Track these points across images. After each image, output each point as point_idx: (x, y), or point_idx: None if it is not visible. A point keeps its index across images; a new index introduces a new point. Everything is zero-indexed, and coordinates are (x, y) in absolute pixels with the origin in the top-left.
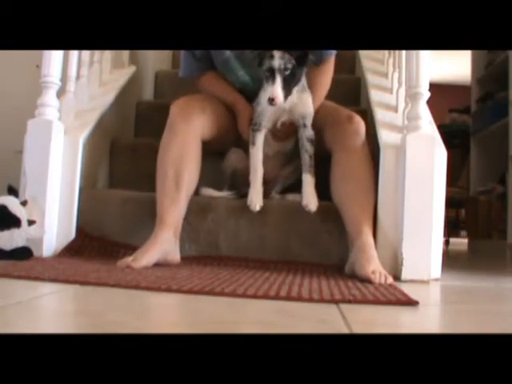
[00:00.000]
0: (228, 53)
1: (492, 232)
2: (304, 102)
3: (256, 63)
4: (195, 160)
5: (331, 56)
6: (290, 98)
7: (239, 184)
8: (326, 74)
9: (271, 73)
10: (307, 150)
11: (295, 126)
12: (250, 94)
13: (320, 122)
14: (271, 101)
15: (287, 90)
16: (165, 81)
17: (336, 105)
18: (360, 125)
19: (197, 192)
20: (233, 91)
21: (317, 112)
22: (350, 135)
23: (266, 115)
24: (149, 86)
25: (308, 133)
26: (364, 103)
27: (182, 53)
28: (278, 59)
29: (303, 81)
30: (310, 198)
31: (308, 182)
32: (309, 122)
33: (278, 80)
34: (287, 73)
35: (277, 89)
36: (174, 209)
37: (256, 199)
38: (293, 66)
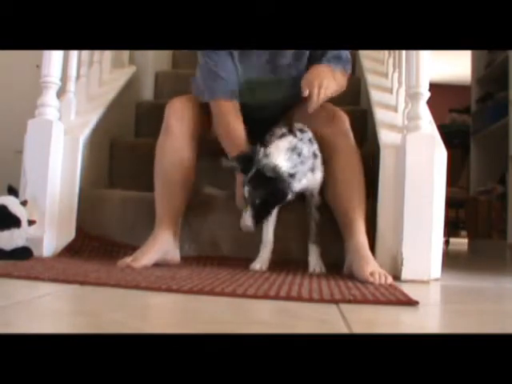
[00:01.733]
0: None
1: (492, 232)
2: (313, 181)
3: (264, 88)
4: (192, 160)
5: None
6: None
7: None
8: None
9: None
10: (315, 219)
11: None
12: (255, 120)
13: (310, 122)
14: (239, 229)
15: (262, 215)
16: (165, 81)
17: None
18: (341, 123)
19: (197, 192)
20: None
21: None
22: (334, 134)
23: None
24: (149, 86)
25: (315, 200)
26: (364, 103)
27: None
28: (247, 194)
29: (310, 160)
30: (315, 268)
31: (314, 252)
32: (316, 191)
33: (249, 211)
34: (257, 205)
35: (246, 220)
36: (172, 209)
37: (260, 265)
38: (262, 199)
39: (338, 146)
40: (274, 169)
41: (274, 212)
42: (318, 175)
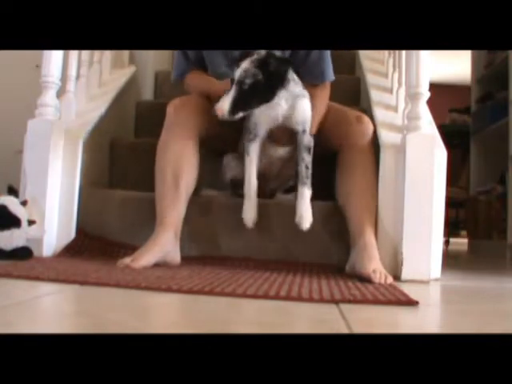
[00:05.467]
0: (224, 68)
1: (492, 232)
2: (299, 108)
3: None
4: (193, 160)
5: (325, 81)
6: (282, 106)
7: (240, 188)
8: (320, 98)
9: (232, 82)
10: (304, 159)
11: (294, 131)
12: None
13: (326, 123)
14: (214, 111)
15: (244, 103)
16: (165, 81)
17: (342, 106)
18: (369, 125)
19: (197, 192)
20: (217, 82)
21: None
22: (358, 135)
23: (259, 125)
24: (149, 86)
25: (306, 140)
26: (364, 103)
27: (176, 56)
28: (241, 70)
29: (298, 87)
30: (303, 214)
31: (303, 195)
32: (307, 127)
33: (231, 93)
34: (245, 87)
35: (223, 102)
36: (173, 210)
37: (250, 215)
38: (255, 80)
39: (359, 147)
40: (282, 57)
41: (256, 151)
42: (306, 107)
